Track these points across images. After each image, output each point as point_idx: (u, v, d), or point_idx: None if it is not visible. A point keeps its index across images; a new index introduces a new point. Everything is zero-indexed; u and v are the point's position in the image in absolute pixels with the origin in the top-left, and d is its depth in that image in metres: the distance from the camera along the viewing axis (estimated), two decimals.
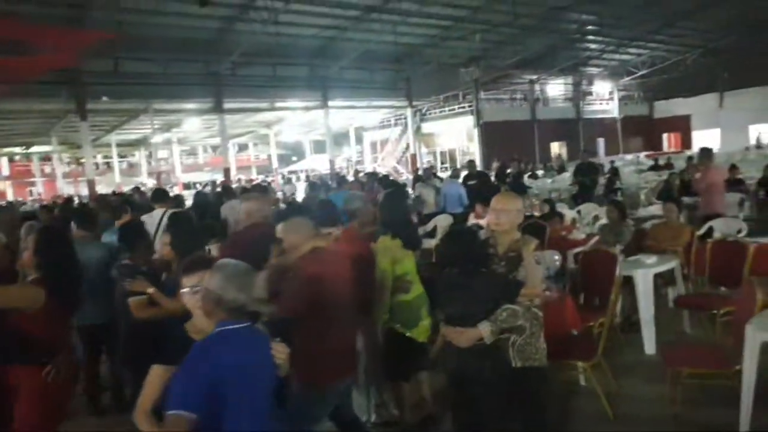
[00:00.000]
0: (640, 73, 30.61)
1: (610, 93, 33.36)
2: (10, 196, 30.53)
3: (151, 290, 3.21)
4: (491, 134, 25.65)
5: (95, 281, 3.92)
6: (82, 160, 18.86)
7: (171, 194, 9.90)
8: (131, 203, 8.08)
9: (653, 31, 24.61)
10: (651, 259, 4.73)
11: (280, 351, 2.09)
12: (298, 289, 2.71)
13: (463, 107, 27.18)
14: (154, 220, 5.46)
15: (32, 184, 34.05)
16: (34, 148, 26.20)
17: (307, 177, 24.56)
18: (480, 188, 9.36)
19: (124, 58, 17.04)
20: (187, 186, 25.94)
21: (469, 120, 26.44)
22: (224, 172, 20.94)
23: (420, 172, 13.77)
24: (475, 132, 26.17)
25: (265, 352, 2.05)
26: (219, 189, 13.56)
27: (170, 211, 5.56)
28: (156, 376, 2.11)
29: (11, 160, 32.88)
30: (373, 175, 12.12)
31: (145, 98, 18.59)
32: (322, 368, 2.71)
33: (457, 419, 2.83)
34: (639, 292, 4.51)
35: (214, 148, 36.89)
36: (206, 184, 16.45)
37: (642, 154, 25.25)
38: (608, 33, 24.40)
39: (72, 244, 3.30)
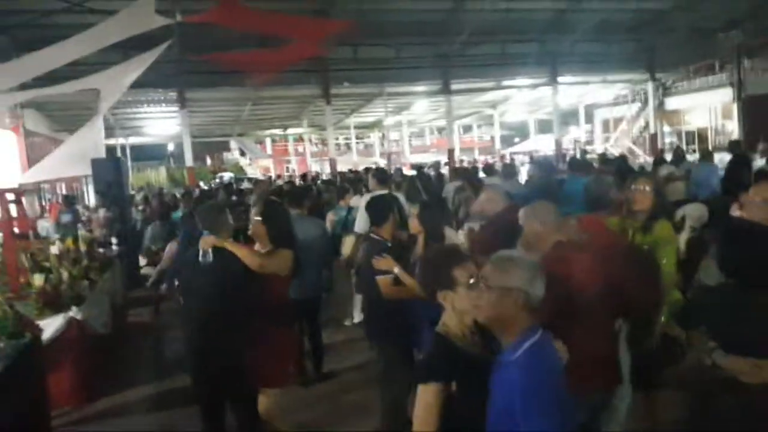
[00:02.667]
0: None
1: None
2: (272, 172, 35.50)
3: (396, 270, 3.29)
4: (757, 110, 21.72)
5: (309, 257, 4.09)
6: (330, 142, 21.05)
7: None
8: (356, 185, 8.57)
9: None
10: None
11: (561, 350, 1.94)
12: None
13: (719, 79, 23.47)
14: None
15: (288, 162, 38.93)
16: (289, 131, 29.80)
17: (531, 158, 23.76)
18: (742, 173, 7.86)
19: (362, 45, 18.29)
20: (414, 167, 27.21)
21: (726, 93, 22.73)
22: (448, 154, 21.36)
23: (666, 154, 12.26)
24: (734, 107, 22.44)
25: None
26: (440, 170, 13.90)
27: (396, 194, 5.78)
28: (432, 395, 1.84)
29: (273, 141, 37.83)
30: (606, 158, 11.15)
31: (380, 82, 19.76)
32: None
33: None
34: None
35: (440, 129, 37.87)
36: (429, 166, 16.96)
37: None
38: None
39: (289, 218, 3.63)
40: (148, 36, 12.33)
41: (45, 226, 10.77)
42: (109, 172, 9.23)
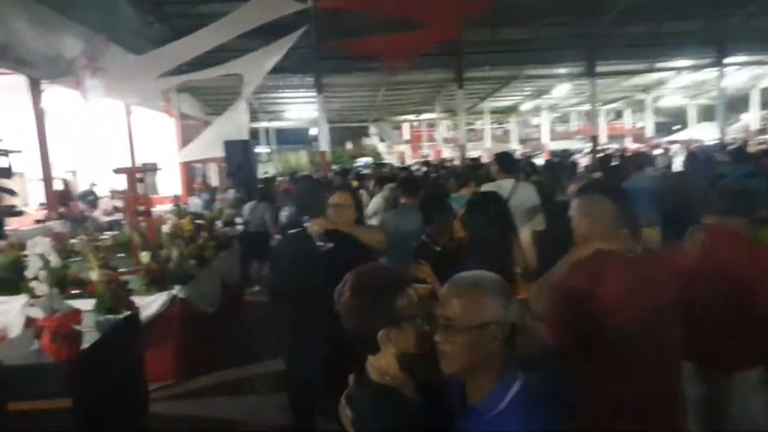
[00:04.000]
0: None
1: None
2: (408, 158, 35.75)
3: (430, 280, 2.90)
4: None
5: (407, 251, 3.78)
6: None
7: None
8: (475, 172, 8.07)
9: None
10: None
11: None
12: (562, 307, 2.00)
13: None
14: (502, 191, 4.79)
15: (422, 147, 38.97)
16: (423, 116, 29.70)
17: (687, 148, 21.33)
18: None
19: (500, 26, 17.49)
20: (553, 154, 25.82)
21: None
22: (591, 140, 19.88)
23: None
24: None
25: None
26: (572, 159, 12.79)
27: (521, 184, 5.21)
28: None
29: (412, 127, 38.03)
30: None
31: (518, 65, 18.83)
32: (610, 420, 1.95)
33: None
34: None
35: (588, 114, 35.51)
36: (557, 154, 15.84)
37: None
38: None
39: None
40: (286, 22, 12.76)
41: (195, 202, 11.80)
42: (239, 153, 9.62)
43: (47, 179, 8.95)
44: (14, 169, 9.10)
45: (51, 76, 9.06)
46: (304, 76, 18.33)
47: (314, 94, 18.74)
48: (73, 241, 5.91)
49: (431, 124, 32.67)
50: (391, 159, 32.18)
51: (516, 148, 28.09)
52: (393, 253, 3.71)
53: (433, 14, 14.53)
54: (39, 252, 2.77)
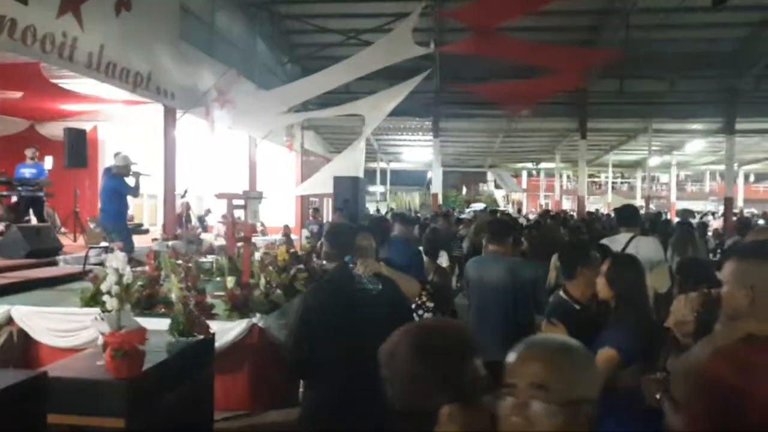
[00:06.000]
0: None
1: None
2: (524, 207, 34.84)
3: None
4: None
5: (491, 305, 3.49)
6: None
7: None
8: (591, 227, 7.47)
9: None
10: None
11: None
12: (704, 404, 1.57)
13: None
14: (616, 245, 4.55)
15: (539, 197, 37.82)
16: (541, 165, 28.87)
17: None
18: None
19: (628, 77, 16.66)
20: (677, 214, 23.93)
21: None
22: (725, 203, 18.06)
23: None
24: None
25: None
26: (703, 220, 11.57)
27: (639, 237, 4.76)
28: None
29: (530, 175, 37.13)
30: None
31: (646, 117, 17.74)
32: None
33: None
34: None
35: (723, 175, 32.60)
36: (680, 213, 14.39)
37: None
38: None
39: None
40: (409, 65, 13.01)
41: (306, 234, 12.23)
42: (347, 189, 9.77)
43: (169, 201, 9.61)
44: (147, 191, 9.94)
45: (185, 106, 9.82)
46: (422, 120, 18.53)
47: (431, 137, 18.86)
48: (177, 261, 6.16)
49: (550, 174, 31.62)
50: (507, 207, 31.46)
51: (641, 204, 26.27)
52: (475, 306, 3.41)
53: (559, 62, 14.12)
54: (115, 266, 2.80)
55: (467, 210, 25.35)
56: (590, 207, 20.00)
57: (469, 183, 44.22)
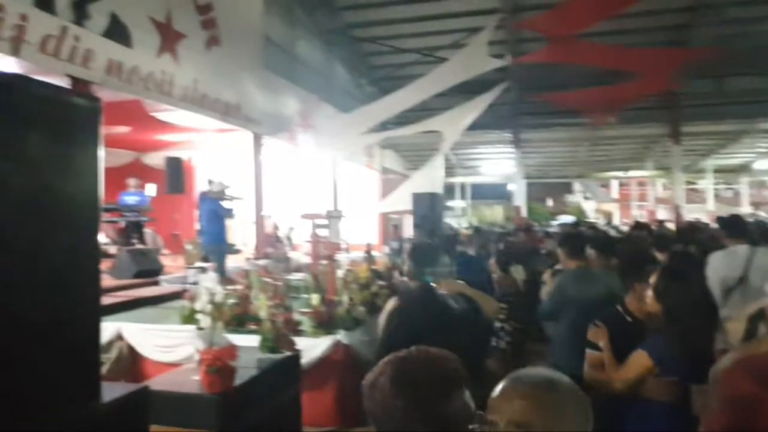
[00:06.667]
0: None
1: None
2: (616, 218, 33.21)
3: (603, 348, 2.51)
4: None
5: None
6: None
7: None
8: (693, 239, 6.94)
9: None
10: None
11: None
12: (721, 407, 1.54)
13: None
14: (736, 259, 4.08)
15: (631, 207, 35.97)
16: (631, 173, 27.56)
17: None
18: None
19: (727, 75, 15.64)
20: None
21: None
22: None
23: None
24: None
25: None
26: None
27: (758, 249, 4.39)
28: None
29: (621, 185, 35.50)
30: None
31: (749, 117, 16.51)
32: None
33: None
34: None
35: None
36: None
37: None
38: None
39: None
40: (485, 78, 12.97)
41: (387, 251, 12.42)
42: (426, 205, 9.81)
43: (259, 223, 10.07)
44: (238, 213, 10.47)
45: (271, 132, 10.29)
46: (502, 132, 18.30)
47: (512, 149, 18.57)
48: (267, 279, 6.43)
49: (643, 183, 30.10)
50: (597, 219, 30.20)
51: (747, 212, 24.35)
52: (571, 321, 3.33)
53: (646, 66, 13.52)
54: (207, 286, 3.01)
55: (554, 223, 24.62)
56: (689, 216, 18.78)
57: (554, 194, 42.85)
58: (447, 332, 2.57)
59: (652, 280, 2.66)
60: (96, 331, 2.66)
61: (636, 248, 4.90)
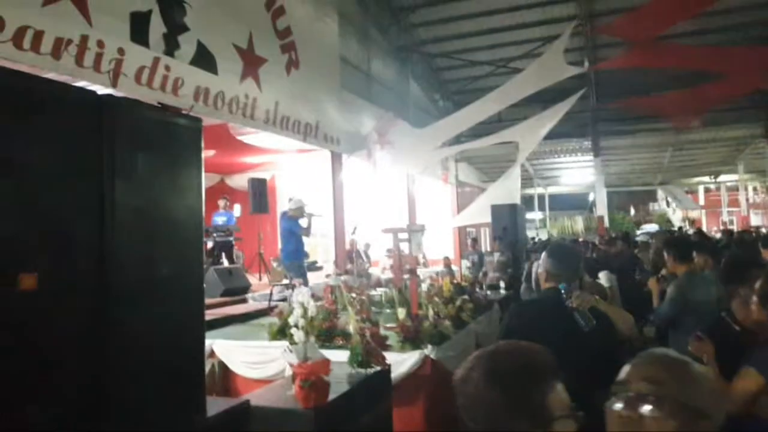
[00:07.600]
0: None
1: None
2: (703, 225, 31.32)
3: (708, 364, 2.30)
4: None
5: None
6: None
7: None
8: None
9: None
10: None
11: None
12: None
13: None
14: None
15: (721, 213, 33.85)
16: (721, 177, 25.99)
17: None
18: None
19: None
20: None
21: None
22: None
23: None
24: None
25: None
26: None
27: None
28: None
29: (707, 190, 33.59)
30: None
31: None
32: None
33: None
34: None
35: None
36: None
37: None
38: None
39: None
40: (562, 87, 12.65)
41: (466, 264, 12.30)
42: (505, 217, 9.62)
43: (339, 239, 10.21)
44: (319, 231, 10.67)
45: (349, 150, 10.47)
46: (581, 140, 17.75)
47: (591, 157, 17.96)
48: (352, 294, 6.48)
49: (734, 188, 28.24)
50: (684, 226, 28.58)
51: None
52: (688, 327, 3.14)
53: (734, 65, 12.73)
54: (300, 301, 3.04)
55: (638, 232, 23.51)
56: None
57: (636, 203, 41.03)
58: (566, 342, 2.38)
59: (758, 285, 2.42)
60: (201, 344, 2.74)
61: (742, 250, 4.58)
